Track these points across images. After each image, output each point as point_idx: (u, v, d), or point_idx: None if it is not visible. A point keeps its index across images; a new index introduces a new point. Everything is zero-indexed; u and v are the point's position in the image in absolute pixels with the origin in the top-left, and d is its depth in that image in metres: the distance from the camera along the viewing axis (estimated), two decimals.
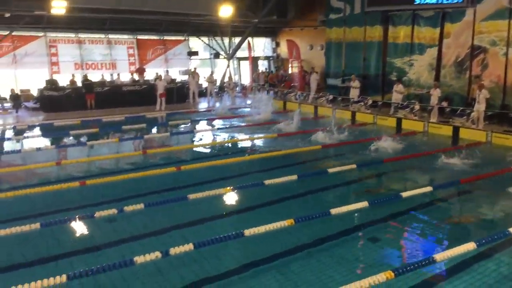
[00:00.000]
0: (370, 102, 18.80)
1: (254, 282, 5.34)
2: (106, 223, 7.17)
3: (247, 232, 6.50)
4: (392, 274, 5.31)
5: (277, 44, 29.55)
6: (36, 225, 6.77)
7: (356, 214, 7.50)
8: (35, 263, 5.81)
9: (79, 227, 7.03)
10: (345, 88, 21.24)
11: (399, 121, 16.46)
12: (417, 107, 16.96)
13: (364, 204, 7.67)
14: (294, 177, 9.39)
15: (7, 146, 13.52)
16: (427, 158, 11.62)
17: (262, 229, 6.61)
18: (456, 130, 14.81)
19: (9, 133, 15.62)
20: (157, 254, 5.79)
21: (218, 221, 7.32)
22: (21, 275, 5.41)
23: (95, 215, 7.21)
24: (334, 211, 7.35)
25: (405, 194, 8.34)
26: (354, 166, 10.36)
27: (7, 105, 20.71)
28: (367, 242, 6.53)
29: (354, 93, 19.43)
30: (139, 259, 5.66)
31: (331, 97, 20.56)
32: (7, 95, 20.82)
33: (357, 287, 5.02)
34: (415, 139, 14.50)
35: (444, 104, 16.57)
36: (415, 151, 12.28)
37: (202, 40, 27.76)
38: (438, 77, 18.09)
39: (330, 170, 9.96)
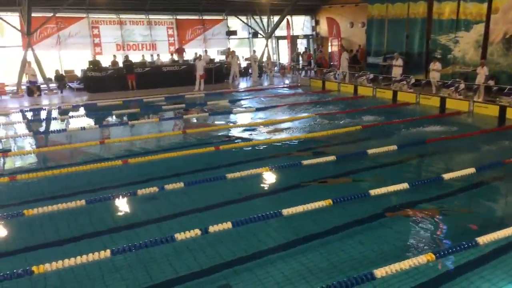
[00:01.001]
0: (412, 81, 18.25)
1: (292, 261, 5.36)
2: (147, 200, 7.35)
3: (285, 211, 6.52)
4: (433, 256, 5.21)
5: (317, 22, 29.04)
6: (81, 202, 7.03)
7: (395, 196, 7.37)
8: (80, 238, 6.04)
9: (122, 204, 7.24)
10: (386, 67, 20.71)
11: (443, 100, 15.93)
12: (462, 86, 16.35)
13: (404, 185, 7.53)
14: (332, 157, 9.31)
15: (54, 125, 14.00)
16: (471, 139, 11.24)
17: (300, 208, 6.61)
18: (503, 110, 14.20)
19: (55, 113, 16.17)
20: (197, 231, 5.91)
21: (256, 201, 7.37)
22: (68, 250, 5.64)
23: (137, 193, 7.41)
24: (373, 192, 7.26)
25: (446, 176, 8.11)
26: (395, 147, 10.14)
27: (53, 85, 21.39)
28: (407, 223, 6.41)
29: (396, 72, 18.92)
30: (179, 236, 5.80)
31: (371, 76, 20.10)
32: (52, 75, 21.47)
33: (396, 269, 4.96)
34: (460, 119, 14.03)
35: (491, 82, 15.88)
36: (460, 132, 11.89)
37: (240, 19, 27.62)
38: (484, 54, 17.34)
39: (370, 151, 9.79)
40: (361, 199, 7.09)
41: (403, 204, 7.00)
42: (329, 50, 26.22)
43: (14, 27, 20.96)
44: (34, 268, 5.07)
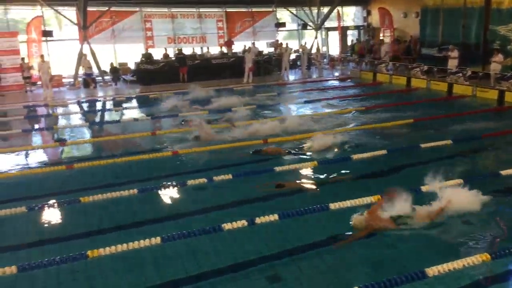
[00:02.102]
0: (469, 73, 17.47)
1: (339, 254, 5.31)
2: (196, 191, 7.46)
3: (332, 205, 6.45)
4: (489, 256, 4.99)
5: (368, 13, 28.35)
6: (134, 191, 7.24)
7: None
8: (132, 225, 6.22)
9: (173, 194, 7.39)
10: (441, 58, 19.94)
11: (501, 93, 15.17)
12: None
13: (458, 181, 7.23)
14: (383, 151, 9.10)
15: (108, 116, 14.49)
16: None
17: (347, 203, 6.52)
18: None
19: (109, 104, 16.72)
20: (243, 222, 5.96)
21: (302, 194, 7.31)
22: (120, 236, 5.83)
23: (187, 183, 7.55)
24: (425, 188, 7.03)
25: (504, 172, 7.74)
26: (449, 141, 9.77)
27: (107, 78, 22.14)
28: (461, 223, 6.15)
29: (452, 64, 18.17)
30: (227, 226, 5.87)
31: (425, 67, 19.43)
32: (107, 68, 22.22)
33: (449, 268, 4.79)
34: None
35: None
36: None
37: (289, 11, 27.43)
38: None
39: (423, 145, 9.49)
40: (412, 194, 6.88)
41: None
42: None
43: (71, 21, 21.83)
44: (89, 252, 5.29)
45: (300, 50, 24.71)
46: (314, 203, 6.54)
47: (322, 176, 8.05)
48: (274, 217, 6.10)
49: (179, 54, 21.47)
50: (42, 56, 19.34)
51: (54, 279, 4.99)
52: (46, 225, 6.46)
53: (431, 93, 16.99)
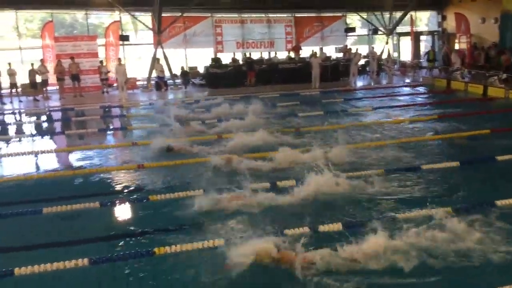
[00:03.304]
0: None
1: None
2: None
3: (400, 216, 6.23)
4: None
5: (444, 18, 27.20)
6: (200, 191, 7.37)
7: None
8: (197, 225, 6.33)
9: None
10: None
11: None
12: None
13: None
14: (456, 163, 8.67)
15: (176, 118, 14.79)
16: None
17: (413, 214, 6.27)
18: None
19: (178, 107, 17.13)
20: (306, 229, 5.91)
21: (368, 203, 7.08)
22: (187, 235, 5.96)
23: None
24: (500, 202, 6.60)
25: None
26: None
27: (178, 81, 22.88)
28: None
29: None
30: (289, 232, 5.83)
31: (504, 75, 18.32)
32: (178, 72, 22.97)
33: None
34: None
35: None
36: None
37: (360, 16, 26.97)
38: None
39: (500, 158, 8.93)
40: (486, 209, 6.48)
41: None
42: (456, 47, 24.43)
43: (147, 26, 22.80)
44: (155, 249, 5.46)
45: (370, 55, 24.20)
46: (379, 214, 6.35)
47: (388, 187, 7.75)
48: (337, 226, 6.00)
49: (248, 59, 21.81)
50: (119, 60, 20.38)
51: None
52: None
53: (510, 103, 16.00)
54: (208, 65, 22.28)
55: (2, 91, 19.45)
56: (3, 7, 21.81)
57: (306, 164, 8.32)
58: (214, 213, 6.62)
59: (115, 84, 21.80)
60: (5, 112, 17.50)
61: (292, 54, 24.34)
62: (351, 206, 6.85)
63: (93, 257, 5.32)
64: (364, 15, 26.82)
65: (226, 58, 23.46)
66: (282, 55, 24.71)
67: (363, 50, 25.96)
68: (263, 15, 25.51)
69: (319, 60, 21.38)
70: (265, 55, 24.95)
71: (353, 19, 27.68)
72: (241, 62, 22.86)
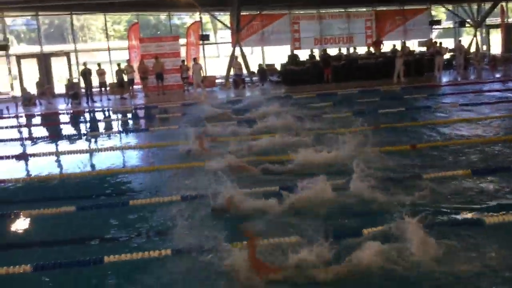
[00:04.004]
0: None
1: None
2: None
3: (488, 220, 5.73)
4: None
5: None
6: (276, 188, 7.29)
7: None
8: None
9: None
10: None
11: None
12: None
13: None
14: None
15: (252, 115, 14.85)
16: None
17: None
18: None
19: (254, 104, 17.22)
20: None
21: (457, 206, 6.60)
22: None
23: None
24: None
25: None
26: None
27: (255, 78, 23.07)
28: None
29: None
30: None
31: None
32: (255, 69, 23.16)
33: None
34: None
35: None
36: None
37: (446, 7, 25.54)
38: None
39: None
40: None
41: None
42: None
43: (225, 25, 23.22)
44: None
45: (456, 49, 22.82)
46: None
47: (476, 190, 7.19)
48: None
49: (324, 55, 21.44)
50: (194, 59, 20.95)
51: None
52: None
53: None
54: (285, 62, 22.23)
55: (93, 90, 20.72)
56: (93, 11, 23.28)
57: None
58: None
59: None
60: (96, 109, 18.66)
61: (373, 49, 23.60)
62: None
63: None
64: (450, 6, 25.34)
65: (303, 55, 23.28)
66: (362, 50, 24.06)
67: (449, 43, 24.59)
68: (342, 10, 24.98)
69: (401, 55, 20.51)
70: (344, 51, 24.40)
71: (438, 11, 26.26)
72: (318, 58, 22.56)
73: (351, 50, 24.52)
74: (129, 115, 17.43)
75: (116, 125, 15.82)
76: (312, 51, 23.24)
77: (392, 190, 6.70)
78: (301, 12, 24.78)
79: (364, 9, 25.31)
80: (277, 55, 24.70)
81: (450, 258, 4.70)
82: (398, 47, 22.42)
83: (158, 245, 5.40)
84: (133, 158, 10.72)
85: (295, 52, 24.00)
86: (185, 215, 6.12)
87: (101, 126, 15.82)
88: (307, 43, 24.48)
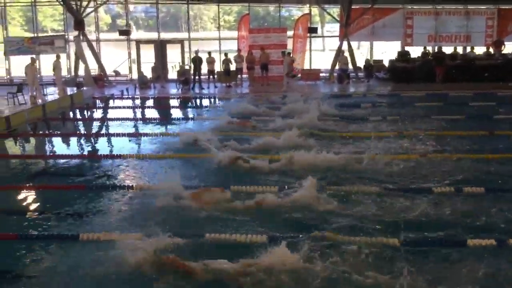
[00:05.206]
0: None
1: None
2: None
3: None
4: None
5: None
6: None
7: None
8: None
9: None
10: None
11: None
12: None
13: None
14: None
15: (351, 111, 14.55)
16: None
17: None
18: None
19: (359, 100, 16.87)
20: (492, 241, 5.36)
21: None
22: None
23: (433, 191, 7.06)
24: None
25: None
26: None
27: (361, 74, 22.56)
28: None
29: None
30: (471, 242, 5.36)
31: None
32: (361, 65, 22.66)
33: None
34: None
35: None
36: None
37: None
38: None
39: None
40: None
41: None
42: None
43: (335, 18, 22.98)
44: None
45: None
46: None
47: None
48: None
49: (438, 53, 20.33)
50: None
51: None
52: None
53: None
54: (394, 58, 21.45)
55: (202, 77, 21.68)
56: (208, 1, 24.29)
57: None
58: None
59: (299, 75, 22.62)
60: (204, 96, 19.53)
61: (492, 50, 21.90)
62: None
63: None
64: None
65: (414, 52, 22.30)
66: (479, 50, 22.45)
67: None
68: (461, 7, 23.44)
69: None
70: (460, 50, 22.94)
71: None
72: (430, 56, 21.46)
73: (467, 49, 22.99)
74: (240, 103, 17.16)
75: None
76: (425, 48, 22.14)
77: None
78: (416, 7, 23.70)
79: (485, 7, 23.52)
80: (384, 51, 23.93)
81: None
82: None
83: None
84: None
85: (406, 48, 23.08)
86: None
87: (208, 111, 16.28)
88: (420, 40, 23.36)
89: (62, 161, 9.70)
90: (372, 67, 22.49)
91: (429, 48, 22.86)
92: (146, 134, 11.70)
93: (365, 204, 6.60)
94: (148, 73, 22.21)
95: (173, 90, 21.04)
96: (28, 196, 7.55)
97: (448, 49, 21.97)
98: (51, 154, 10.77)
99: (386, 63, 22.72)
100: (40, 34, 24.05)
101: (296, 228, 5.83)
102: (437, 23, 23.42)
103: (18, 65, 21.28)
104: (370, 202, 6.65)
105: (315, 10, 24.85)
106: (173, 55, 23.97)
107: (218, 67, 21.99)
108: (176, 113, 16.39)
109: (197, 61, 21.08)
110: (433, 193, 6.98)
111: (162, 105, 18.20)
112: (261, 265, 4.75)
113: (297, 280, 4.63)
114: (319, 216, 6.21)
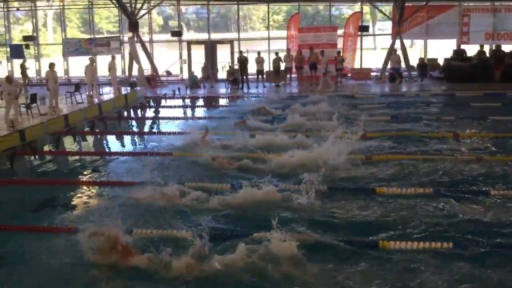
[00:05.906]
0: None
1: None
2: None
3: None
4: None
5: None
6: (429, 189, 6.96)
7: None
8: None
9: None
10: None
11: None
12: None
13: None
14: None
15: (406, 111, 14.17)
16: None
17: None
18: None
19: (412, 100, 16.42)
20: None
21: None
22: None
23: None
24: None
25: None
26: None
27: (414, 73, 21.95)
28: None
29: None
30: None
31: None
32: (415, 64, 22.06)
33: None
34: None
35: None
36: None
37: None
38: None
39: None
40: None
41: None
42: None
43: (387, 16, 22.48)
44: (380, 242, 5.41)
45: None
46: None
47: None
48: None
49: (497, 51, 19.45)
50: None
51: None
52: None
53: None
54: (449, 57, 20.72)
55: (250, 77, 21.78)
56: (258, 1, 24.39)
57: None
58: None
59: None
60: (252, 96, 19.57)
61: None
62: None
63: None
64: None
65: (471, 51, 21.47)
66: None
67: None
68: None
69: None
70: None
71: None
72: (488, 55, 20.58)
73: None
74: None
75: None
76: (482, 47, 21.25)
77: None
78: (472, 4, 22.80)
79: None
80: (438, 49, 23.19)
81: None
82: None
83: None
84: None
85: (462, 46, 22.24)
86: None
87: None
88: (477, 38, 22.43)
89: (120, 158, 10.04)
90: (426, 66, 21.82)
91: (486, 47, 21.91)
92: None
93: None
94: (198, 73, 22.59)
95: (222, 89, 21.29)
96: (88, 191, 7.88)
97: (506, 47, 20.99)
98: (107, 151, 11.20)
99: (440, 62, 22.00)
100: (96, 36, 25.05)
101: None
102: (495, 20, 22.43)
103: (76, 65, 22.24)
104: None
105: (366, 8, 24.40)
106: (223, 55, 24.27)
107: (267, 67, 22.04)
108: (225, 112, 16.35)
109: (243, 61, 21.23)
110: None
111: (211, 103, 18.53)
112: None
113: None
114: None
